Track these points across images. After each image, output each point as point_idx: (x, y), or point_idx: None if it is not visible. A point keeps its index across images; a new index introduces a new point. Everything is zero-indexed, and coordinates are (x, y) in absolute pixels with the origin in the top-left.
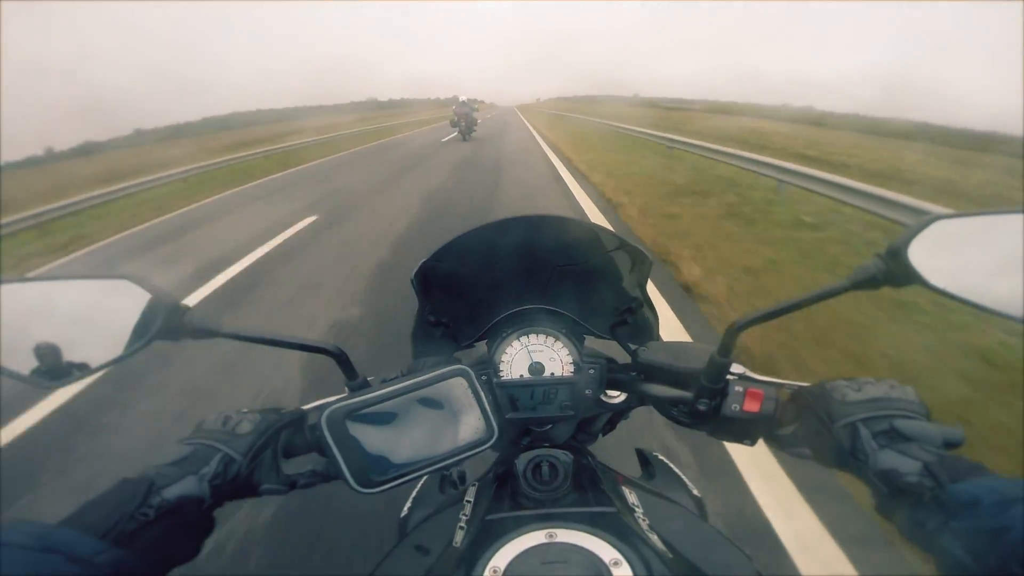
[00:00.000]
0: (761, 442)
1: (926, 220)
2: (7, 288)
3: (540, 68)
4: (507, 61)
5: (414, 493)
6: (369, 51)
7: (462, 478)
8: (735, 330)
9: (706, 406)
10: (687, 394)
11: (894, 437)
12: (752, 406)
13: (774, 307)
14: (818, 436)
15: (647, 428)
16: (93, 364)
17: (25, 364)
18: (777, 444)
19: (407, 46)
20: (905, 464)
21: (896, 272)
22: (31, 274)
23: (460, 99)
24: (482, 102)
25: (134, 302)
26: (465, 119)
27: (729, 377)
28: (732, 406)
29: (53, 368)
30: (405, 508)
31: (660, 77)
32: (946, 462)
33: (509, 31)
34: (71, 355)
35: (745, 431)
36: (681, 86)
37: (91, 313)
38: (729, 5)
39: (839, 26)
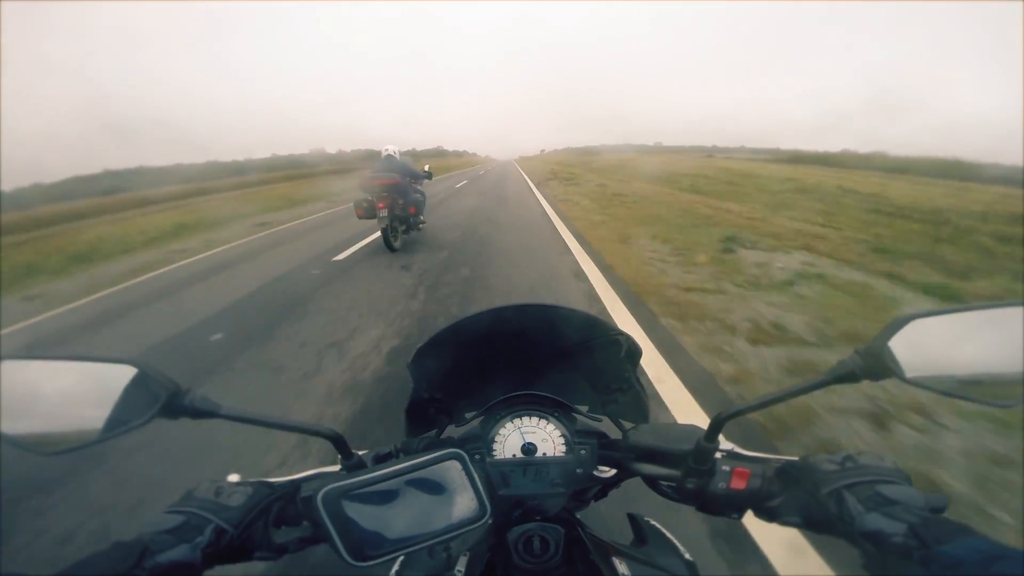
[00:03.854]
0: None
1: (902, 319)
2: (13, 364)
3: (541, 117)
4: (505, 111)
5: (402, 555)
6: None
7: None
8: (721, 420)
9: (694, 484)
10: (676, 472)
11: (879, 501)
12: (739, 484)
13: (759, 400)
14: (805, 505)
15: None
16: (93, 437)
17: (27, 433)
18: (766, 515)
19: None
20: (891, 526)
21: (875, 368)
22: (35, 352)
23: (385, 152)
24: (474, 154)
25: (135, 384)
26: (390, 200)
27: (717, 455)
28: (719, 484)
29: (54, 438)
30: (392, 572)
31: (685, 122)
32: (931, 524)
33: (504, 78)
34: (72, 428)
35: (732, 506)
36: (711, 132)
37: (93, 392)
38: (758, 42)
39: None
